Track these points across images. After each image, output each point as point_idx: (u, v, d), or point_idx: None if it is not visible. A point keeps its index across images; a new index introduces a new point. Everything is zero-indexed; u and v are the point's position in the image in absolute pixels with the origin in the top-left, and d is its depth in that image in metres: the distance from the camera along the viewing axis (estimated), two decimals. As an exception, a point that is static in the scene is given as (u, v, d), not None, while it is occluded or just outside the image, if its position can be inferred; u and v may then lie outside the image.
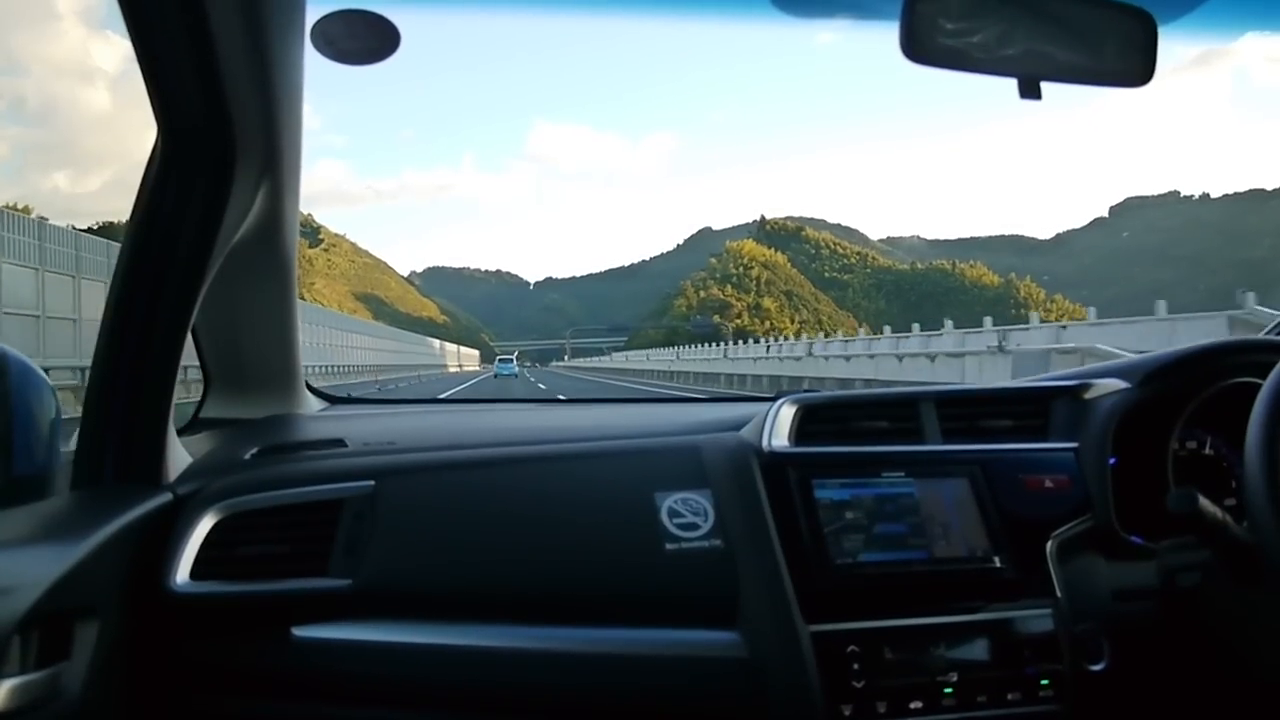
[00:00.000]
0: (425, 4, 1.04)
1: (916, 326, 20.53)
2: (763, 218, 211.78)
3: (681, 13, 1.10)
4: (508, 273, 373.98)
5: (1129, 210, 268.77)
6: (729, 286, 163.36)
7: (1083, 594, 1.01)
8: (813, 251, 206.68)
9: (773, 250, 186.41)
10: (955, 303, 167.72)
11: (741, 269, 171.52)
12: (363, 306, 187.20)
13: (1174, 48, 0.99)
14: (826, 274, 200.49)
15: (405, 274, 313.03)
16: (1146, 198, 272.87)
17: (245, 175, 0.98)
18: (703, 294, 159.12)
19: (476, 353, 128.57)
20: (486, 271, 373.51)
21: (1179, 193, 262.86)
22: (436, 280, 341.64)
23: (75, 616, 0.78)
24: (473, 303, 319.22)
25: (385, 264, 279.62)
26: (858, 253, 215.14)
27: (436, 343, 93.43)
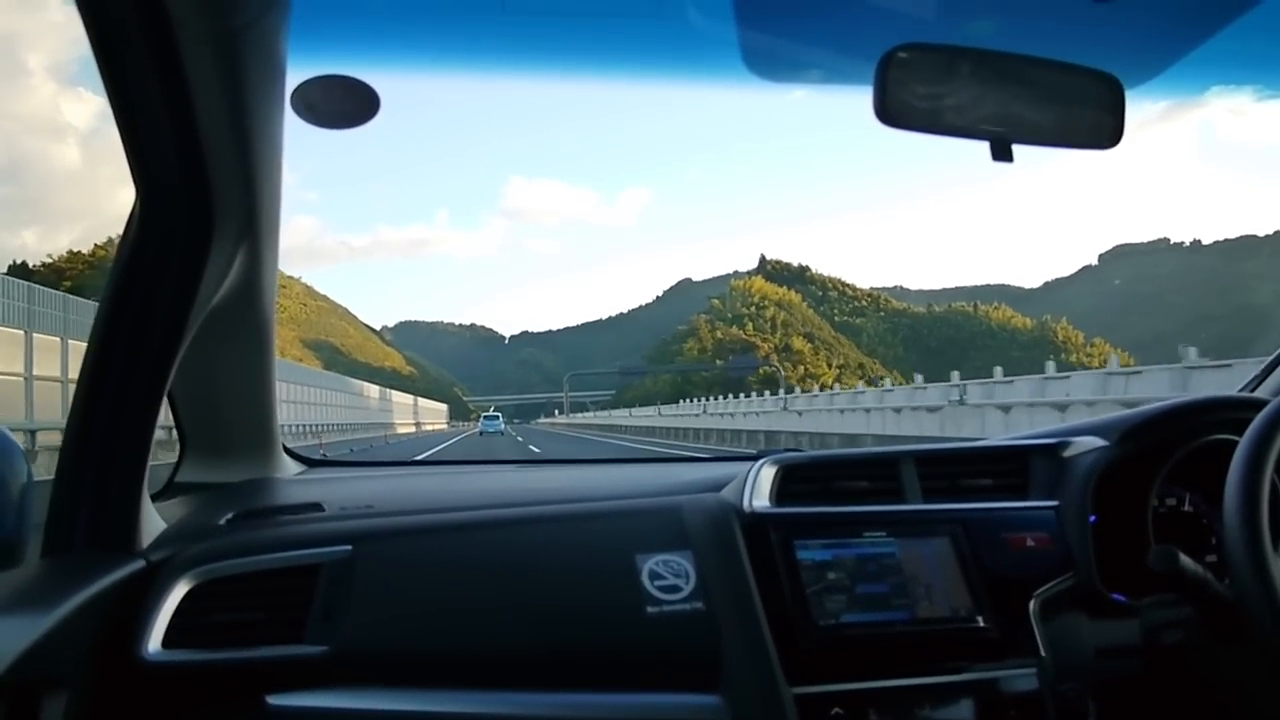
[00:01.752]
0: (403, 69, 1.04)
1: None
2: (763, 257, 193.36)
3: (654, 75, 1.13)
4: (482, 326, 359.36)
5: (1120, 258, 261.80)
6: (750, 325, 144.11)
7: (1067, 653, 1.02)
8: (819, 294, 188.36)
9: (785, 289, 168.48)
10: (983, 348, 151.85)
11: (753, 308, 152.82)
12: (312, 354, 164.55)
13: (1143, 105, 1.01)
14: (837, 317, 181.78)
15: (377, 328, 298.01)
16: (1137, 245, 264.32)
17: (224, 238, 0.97)
18: (719, 334, 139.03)
19: (444, 407, 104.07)
20: (460, 325, 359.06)
21: (1169, 240, 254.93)
22: (408, 334, 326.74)
23: (44, 687, 0.76)
24: (446, 357, 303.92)
25: (345, 310, 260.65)
26: (868, 294, 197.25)
27: (374, 390, 61.23)
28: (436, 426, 71.69)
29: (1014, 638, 1.00)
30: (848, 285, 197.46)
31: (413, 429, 57.35)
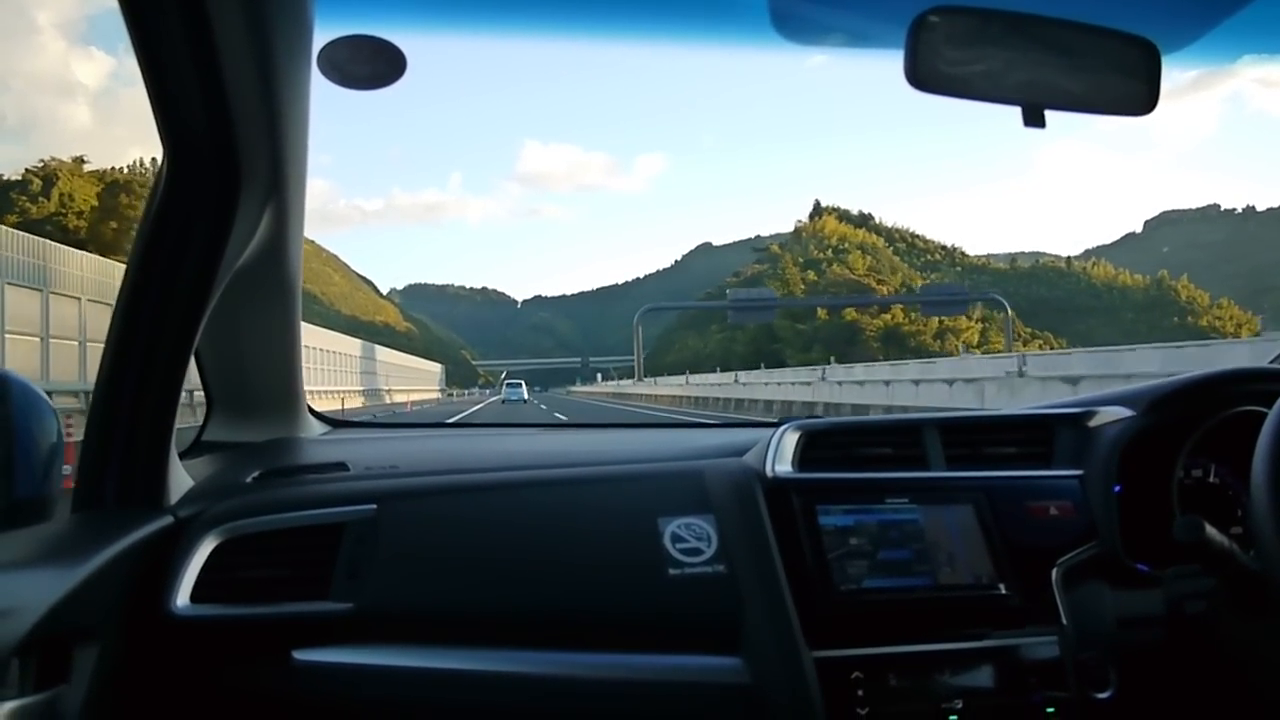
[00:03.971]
0: (422, 28, 1.02)
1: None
2: (818, 202, 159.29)
3: (675, 36, 1.10)
4: (494, 290, 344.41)
5: (1167, 225, 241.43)
6: (860, 264, 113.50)
7: (1088, 621, 1.01)
8: (887, 245, 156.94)
9: (864, 231, 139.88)
10: (1087, 309, 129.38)
11: (829, 251, 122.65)
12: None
13: (1173, 73, 0.94)
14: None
15: (384, 290, 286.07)
16: (1185, 211, 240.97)
17: (251, 198, 0.98)
18: (812, 275, 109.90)
19: (437, 369, 79.71)
20: (471, 289, 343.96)
21: (1219, 206, 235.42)
22: (418, 296, 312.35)
23: (75, 639, 0.78)
24: (456, 320, 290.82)
25: (332, 256, 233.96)
26: (942, 248, 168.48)
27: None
28: (421, 395, 48.74)
29: (1036, 606, 1.00)
30: (917, 236, 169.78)
31: (358, 403, 31.95)
